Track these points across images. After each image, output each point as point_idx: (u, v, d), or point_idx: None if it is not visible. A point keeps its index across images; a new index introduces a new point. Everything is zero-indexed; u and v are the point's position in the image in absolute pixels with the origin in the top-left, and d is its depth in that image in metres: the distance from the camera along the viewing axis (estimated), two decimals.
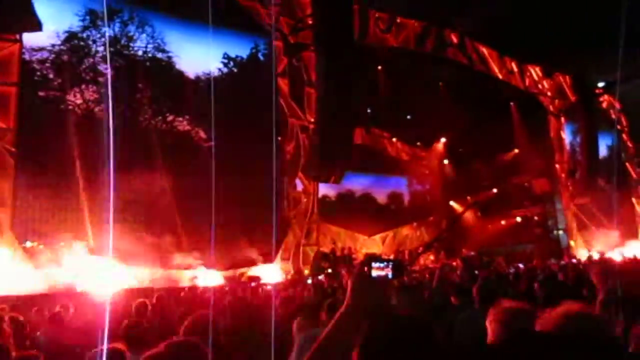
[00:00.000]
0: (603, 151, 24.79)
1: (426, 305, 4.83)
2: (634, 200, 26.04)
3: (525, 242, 22.23)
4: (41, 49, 12.61)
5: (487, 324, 2.47)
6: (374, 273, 1.72)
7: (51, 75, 12.88)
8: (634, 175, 26.70)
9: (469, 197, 23.55)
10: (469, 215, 22.92)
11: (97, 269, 11.91)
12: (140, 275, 12.85)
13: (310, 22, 16.30)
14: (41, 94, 12.70)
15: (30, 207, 12.15)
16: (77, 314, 6.48)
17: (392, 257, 18.72)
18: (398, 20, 19.02)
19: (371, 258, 1.75)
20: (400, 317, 1.54)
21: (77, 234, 12.35)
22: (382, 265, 1.73)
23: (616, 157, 25.72)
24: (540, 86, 24.17)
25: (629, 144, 27.12)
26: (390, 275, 1.74)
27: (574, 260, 18.81)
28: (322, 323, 3.82)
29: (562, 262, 16.65)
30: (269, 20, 16.14)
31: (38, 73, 12.69)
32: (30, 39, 12.40)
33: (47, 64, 12.79)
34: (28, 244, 11.64)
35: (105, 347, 2.50)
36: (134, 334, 3.64)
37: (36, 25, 11.93)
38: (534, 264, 16.24)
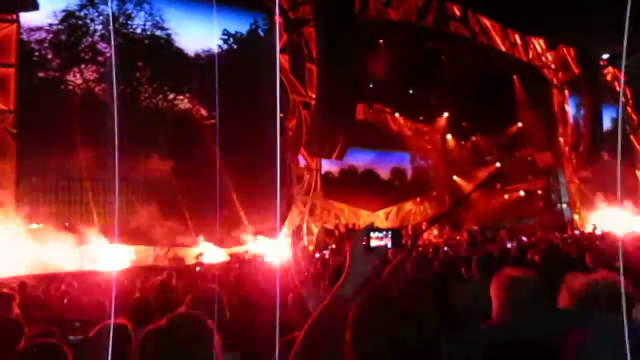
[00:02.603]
0: (607, 124, 24.63)
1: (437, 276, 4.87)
2: (637, 173, 25.97)
3: (528, 216, 22.23)
4: (39, 28, 12.48)
5: (492, 292, 2.46)
6: (373, 243, 1.71)
7: (50, 56, 12.77)
8: (638, 148, 26.59)
9: (472, 172, 23.49)
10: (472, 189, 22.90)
11: (102, 248, 11.99)
12: (145, 253, 12.94)
13: None
14: (40, 74, 12.61)
15: (34, 188, 12.17)
16: (83, 292, 6.53)
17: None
18: None
19: (370, 228, 1.74)
20: (392, 294, 1.52)
21: (81, 214, 12.40)
22: (380, 235, 1.73)
23: (620, 129, 25.59)
24: (543, 59, 23.94)
25: (633, 117, 26.95)
26: (389, 245, 1.73)
27: (576, 232, 18.87)
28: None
29: (565, 235, 16.71)
30: None
31: (37, 53, 12.58)
32: (27, 19, 12.28)
33: (46, 44, 12.67)
34: (33, 226, 11.68)
35: (110, 322, 2.51)
36: (139, 310, 3.66)
37: (33, 5, 11.81)
38: (538, 237, 16.27)
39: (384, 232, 1.74)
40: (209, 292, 2.93)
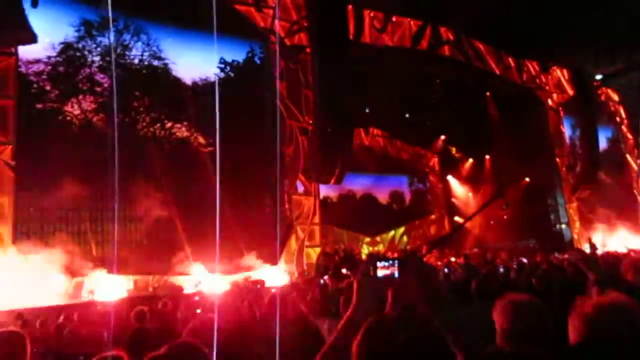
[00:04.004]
0: (602, 144, 24.75)
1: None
2: (635, 192, 25.99)
3: (528, 237, 22.17)
4: (37, 61, 12.59)
5: (494, 316, 2.43)
6: (380, 273, 1.68)
7: (48, 87, 12.85)
8: (635, 167, 26.66)
9: (470, 194, 23.50)
10: (470, 212, 22.87)
11: (100, 278, 11.90)
12: (143, 283, 12.83)
13: (305, 24, 16.30)
14: (39, 106, 12.67)
15: (32, 220, 12.13)
16: (81, 324, 6.45)
17: (396, 255, 18.64)
18: (393, 19, 19.01)
19: (376, 257, 1.71)
20: (398, 320, 1.50)
21: (79, 245, 12.32)
22: (387, 264, 1.70)
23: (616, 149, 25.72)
24: (537, 81, 24.15)
25: (629, 136, 27.09)
26: (396, 275, 1.70)
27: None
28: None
29: (565, 256, 16.61)
30: (264, 24, 16.14)
31: (35, 85, 12.66)
32: (25, 51, 12.39)
33: (44, 76, 12.76)
34: (31, 257, 11.59)
35: (105, 354, 2.48)
36: (137, 340, 3.62)
37: (31, 38, 11.93)
38: (537, 258, 16.17)
39: (391, 261, 1.71)
40: (208, 322, 2.91)
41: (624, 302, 2.07)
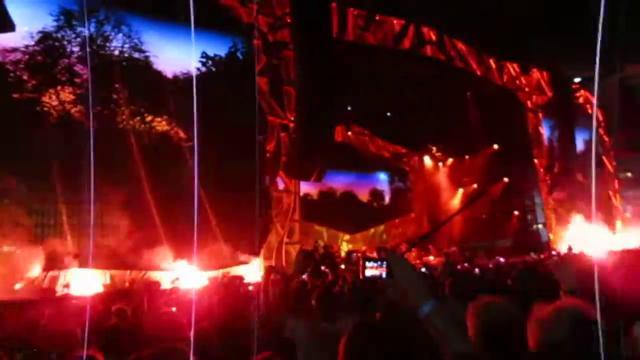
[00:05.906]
0: (580, 146, 25.16)
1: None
2: (610, 193, 26.49)
3: (505, 237, 22.45)
4: (14, 50, 12.34)
5: (467, 318, 2.46)
6: (368, 272, 1.68)
7: (25, 77, 12.61)
8: (611, 169, 27.16)
9: (450, 194, 23.69)
10: (449, 211, 23.05)
11: (76, 272, 11.75)
12: (120, 277, 12.70)
13: (289, 20, 16.25)
14: (15, 96, 12.42)
15: (6, 211, 11.89)
16: (55, 319, 6.36)
17: (375, 253, 18.74)
18: (377, 18, 19.07)
19: (365, 258, 1.73)
20: (383, 322, 1.52)
21: (54, 238, 12.14)
22: (375, 264, 1.69)
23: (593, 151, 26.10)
24: (517, 82, 24.45)
25: (605, 138, 27.57)
26: (384, 275, 1.70)
27: (553, 253, 19.08)
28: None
29: (542, 256, 16.88)
30: (248, 19, 16.04)
31: (12, 75, 12.41)
32: (3, 39, 12.14)
33: (21, 65, 12.52)
34: (5, 249, 11.40)
35: (79, 354, 2.45)
36: (111, 339, 3.58)
37: (9, 26, 11.70)
38: (514, 259, 16.43)
39: (379, 262, 1.70)
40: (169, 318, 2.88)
41: (579, 308, 2.10)
